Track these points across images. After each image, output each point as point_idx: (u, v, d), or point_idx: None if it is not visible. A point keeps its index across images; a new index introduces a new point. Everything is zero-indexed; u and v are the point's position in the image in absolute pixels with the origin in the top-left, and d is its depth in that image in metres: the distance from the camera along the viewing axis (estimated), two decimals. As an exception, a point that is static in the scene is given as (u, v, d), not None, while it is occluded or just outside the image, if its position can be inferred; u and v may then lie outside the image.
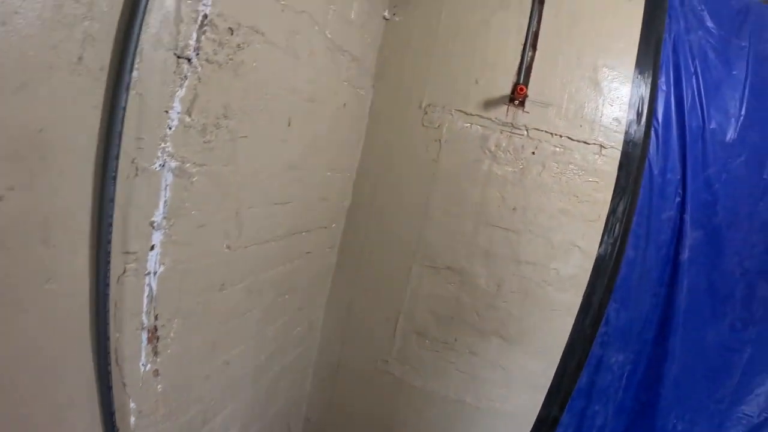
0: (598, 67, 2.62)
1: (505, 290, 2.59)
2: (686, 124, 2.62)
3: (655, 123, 2.63)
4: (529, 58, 2.65)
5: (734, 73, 2.68)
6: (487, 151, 2.61)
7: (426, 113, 2.68)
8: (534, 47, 2.66)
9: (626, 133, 2.59)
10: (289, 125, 1.88)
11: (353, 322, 2.84)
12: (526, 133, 2.60)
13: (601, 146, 2.57)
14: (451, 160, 2.65)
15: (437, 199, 2.66)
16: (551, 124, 2.59)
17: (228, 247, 1.68)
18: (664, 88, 2.65)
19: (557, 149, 2.57)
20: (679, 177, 2.63)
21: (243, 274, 1.83)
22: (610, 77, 2.61)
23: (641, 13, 2.66)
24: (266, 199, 1.85)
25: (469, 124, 2.64)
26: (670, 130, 2.64)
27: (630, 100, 2.61)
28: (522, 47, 2.65)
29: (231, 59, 1.47)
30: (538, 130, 2.60)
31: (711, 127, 2.65)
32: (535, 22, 2.68)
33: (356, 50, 2.43)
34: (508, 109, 2.62)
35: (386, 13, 2.75)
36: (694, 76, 2.66)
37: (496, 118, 2.63)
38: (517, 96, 2.54)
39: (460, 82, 2.67)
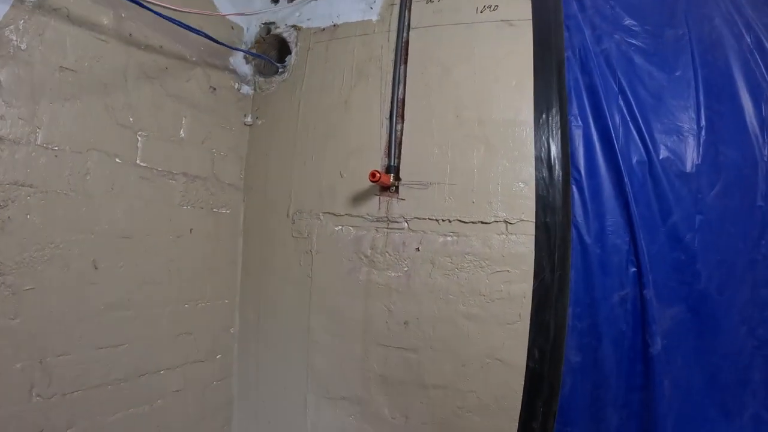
0: (484, 120, 2.07)
1: (414, 423, 2.08)
2: (620, 163, 1.93)
3: (575, 174, 1.98)
4: (397, 132, 2.18)
5: (677, 74, 1.97)
6: (362, 257, 2.17)
7: (294, 222, 2.34)
8: (402, 117, 2.19)
9: (538, 197, 1.98)
10: (96, 268, 1.84)
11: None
12: (406, 225, 2.12)
13: (506, 222, 1.99)
14: (325, 273, 2.27)
15: (318, 320, 2.28)
16: (436, 208, 2.08)
17: (38, 396, 1.67)
18: (579, 122, 2.00)
19: (448, 238, 2.05)
20: (627, 239, 1.93)
21: (70, 419, 1.76)
22: (502, 129, 2.05)
23: (530, 35, 2.04)
24: (82, 344, 1.80)
25: (339, 227, 2.24)
26: (598, 177, 1.97)
27: (535, 152, 1.99)
28: (389, 120, 2.19)
29: (-9, 219, 1.50)
30: (419, 219, 2.10)
31: (661, 157, 1.92)
32: (399, 88, 2.21)
33: (196, 169, 2.24)
34: (379, 200, 2.17)
35: (248, 118, 2.48)
36: (619, 95, 1.98)
37: (368, 215, 2.19)
38: (379, 183, 2.07)
39: (325, 178, 2.29)
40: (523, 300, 1.94)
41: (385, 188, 2.16)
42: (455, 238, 2.04)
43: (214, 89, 2.31)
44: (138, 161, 1.97)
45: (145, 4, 1.78)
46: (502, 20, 2.10)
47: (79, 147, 1.76)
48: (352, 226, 2.21)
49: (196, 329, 2.26)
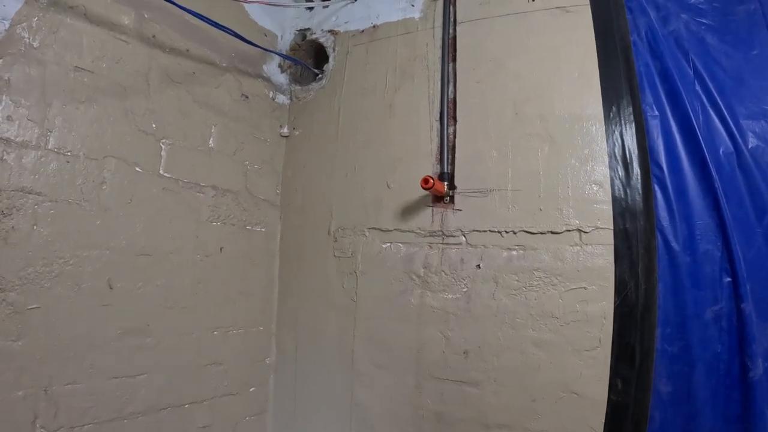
0: (547, 116, 1.86)
1: (479, 470, 1.80)
2: (706, 155, 1.69)
3: (655, 170, 1.74)
4: (449, 135, 1.98)
5: (755, 52, 1.73)
6: (414, 277, 1.95)
7: (336, 240, 2.13)
8: (454, 118, 1.99)
9: (615, 200, 1.74)
10: (111, 288, 1.68)
11: None
12: (463, 240, 1.89)
13: (580, 231, 1.74)
14: (371, 296, 2.07)
15: (363, 349, 2.06)
16: (497, 218, 1.86)
17: (42, 428, 1.50)
18: (655, 112, 1.78)
19: (513, 253, 1.81)
20: (719, 244, 1.66)
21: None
22: (568, 125, 1.83)
23: (589, 21, 1.83)
24: (94, 373, 1.63)
25: (388, 244, 2.02)
26: (682, 173, 1.72)
27: (608, 148, 1.75)
28: (439, 123, 1.98)
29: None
30: (479, 231, 1.88)
31: (750, 146, 1.67)
32: (449, 87, 2.02)
33: (227, 182, 2.08)
34: (433, 212, 1.96)
35: (284, 129, 2.31)
36: (696, 80, 1.75)
37: (420, 229, 1.97)
38: (433, 191, 1.85)
39: (369, 190, 2.10)
40: (602, 321, 1.68)
41: (438, 198, 1.95)
42: (521, 252, 1.80)
43: (247, 97, 2.17)
44: (161, 171, 1.84)
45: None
46: (556, 7, 1.91)
47: (95, 153, 1.63)
48: (401, 243, 1.99)
49: (226, 359, 2.07)
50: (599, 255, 1.70)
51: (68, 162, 1.56)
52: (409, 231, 1.99)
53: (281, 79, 2.34)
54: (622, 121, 1.75)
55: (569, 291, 1.73)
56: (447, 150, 1.96)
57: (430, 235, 1.95)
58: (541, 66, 1.89)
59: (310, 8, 2.38)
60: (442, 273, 1.91)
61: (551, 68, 1.87)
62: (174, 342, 1.87)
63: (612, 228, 1.70)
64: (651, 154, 1.73)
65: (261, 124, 2.24)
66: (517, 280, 1.79)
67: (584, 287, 1.71)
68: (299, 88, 2.35)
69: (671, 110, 1.74)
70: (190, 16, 1.80)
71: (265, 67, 2.28)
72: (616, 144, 1.75)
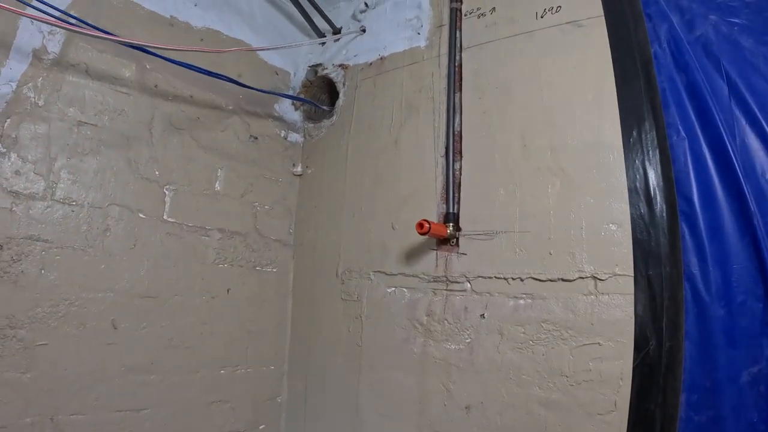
0: (558, 147, 1.69)
1: None
2: (744, 185, 1.42)
3: (683, 205, 1.52)
4: (455, 172, 1.86)
5: None
6: (417, 324, 1.84)
7: (343, 282, 2.07)
8: (460, 152, 1.86)
9: (636, 243, 1.53)
10: (115, 328, 1.76)
11: None
12: (468, 286, 1.76)
13: (595, 278, 1.55)
14: (375, 342, 1.97)
15: (368, 396, 1.96)
16: (504, 264, 1.71)
17: None
18: (682, 134, 1.55)
19: (520, 302, 1.65)
20: (759, 293, 1.40)
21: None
22: (581, 156, 1.64)
23: (603, 35, 1.64)
24: (98, 405, 1.71)
25: (392, 289, 1.93)
26: (715, 207, 1.47)
27: (628, 181, 1.54)
28: (444, 159, 1.87)
29: (6, 272, 1.53)
30: (484, 278, 1.73)
31: None
32: (455, 119, 1.90)
33: (235, 224, 2.11)
34: (437, 256, 1.84)
35: (297, 168, 2.31)
36: (730, 93, 1.49)
37: (423, 274, 1.86)
38: (431, 235, 1.73)
39: (375, 232, 2.02)
40: (619, 383, 1.46)
41: (444, 241, 1.82)
42: (529, 301, 1.63)
43: (256, 138, 2.20)
44: (165, 216, 1.91)
45: (174, 59, 1.71)
46: (567, 22, 1.73)
47: (99, 202, 1.74)
48: (405, 288, 1.90)
49: (234, 397, 2.09)
50: (617, 306, 1.50)
51: (73, 211, 1.67)
52: (413, 276, 1.88)
53: (295, 116, 2.34)
54: (645, 148, 1.54)
55: (581, 347, 1.53)
56: (453, 188, 1.83)
57: (434, 281, 1.83)
58: (552, 91, 1.72)
59: (323, 43, 2.35)
60: (445, 321, 1.78)
61: (562, 92, 1.70)
62: (178, 380, 1.91)
63: (632, 275, 1.49)
64: (678, 186, 1.49)
65: (272, 164, 2.25)
66: (524, 333, 1.62)
67: (599, 343, 1.51)
68: (312, 125, 2.34)
69: (701, 131, 1.49)
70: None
71: (276, 106, 2.29)
72: (638, 175, 1.53)
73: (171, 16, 1.97)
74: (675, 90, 1.55)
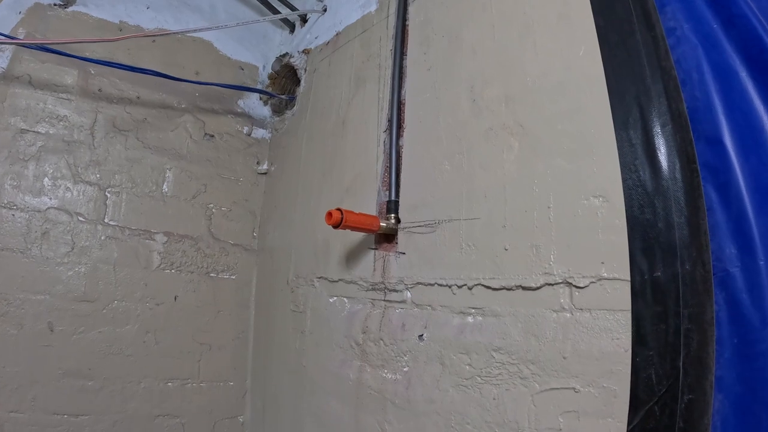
0: (514, 96, 1.03)
1: None
2: None
3: (706, 155, 0.78)
4: (398, 149, 1.25)
5: None
6: (353, 344, 1.25)
7: (292, 291, 1.54)
8: (400, 125, 1.25)
9: (633, 223, 0.81)
10: (52, 331, 1.54)
11: None
12: (408, 296, 1.14)
13: (570, 285, 0.86)
14: (316, 363, 1.40)
15: (310, 426, 1.38)
16: (447, 265, 1.07)
17: None
18: (691, 39, 0.80)
19: (468, 319, 1.00)
20: None
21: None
22: (546, 101, 0.96)
23: None
24: (36, 406, 1.51)
25: (334, 299, 1.36)
26: (765, 149, 0.70)
27: (616, 127, 0.86)
28: (387, 135, 1.29)
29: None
30: (424, 285, 1.10)
31: None
32: (401, 87, 1.29)
33: (183, 228, 1.72)
34: (374, 257, 1.23)
35: (262, 166, 1.85)
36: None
37: (362, 280, 1.27)
38: (345, 227, 1.15)
39: (320, 230, 1.46)
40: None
41: (385, 237, 1.21)
42: (479, 318, 0.97)
43: (212, 136, 1.76)
44: (106, 220, 1.61)
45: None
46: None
47: (39, 206, 1.54)
48: (346, 298, 1.31)
49: (184, 413, 1.67)
50: (603, 330, 0.79)
51: (13, 215, 1.50)
52: (352, 282, 1.28)
53: (264, 111, 1.86)
54: (637, 74, 0.83)
55: (548, 392, 0.84)
56: (394, 169, 1.22)
57: (372, 289, 1.21)
58: (506, 22, 1.04)
59: (292, 30, 1.88)
60: (381, 342, 1.15)
61: (518, 20, 1.01)
62: (119, 388, 1.61)
63: (627, 278, 0.78)
64: (694, 125, 0.76)
65: (231, 162, 1.79)
66: (470, 365, 0.95)
67: (574, 388, 0.81)
68: (278, 119, 1.83)
69: (724, 31, 0.74)
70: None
71: (241, 102, 1.82)
72: (630, 118, 0.81)
73: (120, 21, 1.67)
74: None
